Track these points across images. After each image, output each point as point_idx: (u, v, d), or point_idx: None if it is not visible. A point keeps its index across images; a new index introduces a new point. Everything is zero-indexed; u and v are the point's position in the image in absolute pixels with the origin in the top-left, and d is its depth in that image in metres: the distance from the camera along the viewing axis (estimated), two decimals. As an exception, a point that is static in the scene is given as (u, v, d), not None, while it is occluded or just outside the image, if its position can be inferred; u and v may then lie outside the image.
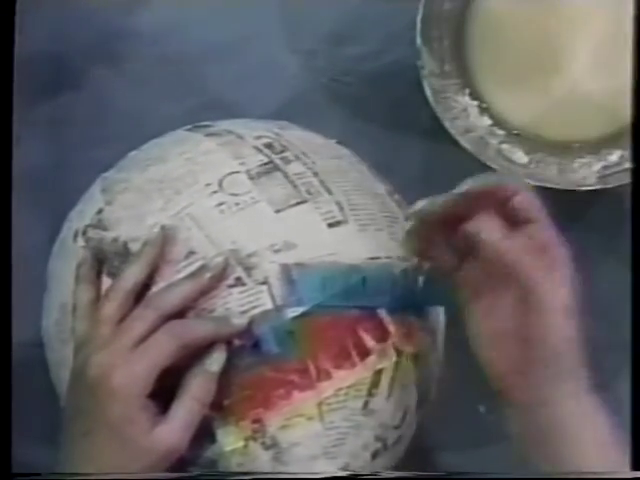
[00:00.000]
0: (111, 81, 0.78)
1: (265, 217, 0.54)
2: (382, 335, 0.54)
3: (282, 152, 0.58)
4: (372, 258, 0.55)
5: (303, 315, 0.52)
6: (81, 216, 0.59)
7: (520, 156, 0.71)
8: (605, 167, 0.69)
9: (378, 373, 0.54)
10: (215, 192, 0.55)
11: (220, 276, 0.52)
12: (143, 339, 0.50)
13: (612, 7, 0.69)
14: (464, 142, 0.69)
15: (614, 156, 0.69)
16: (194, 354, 0.51)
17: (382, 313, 0.55)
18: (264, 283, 0.53)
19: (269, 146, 0.58)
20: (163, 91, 0.78)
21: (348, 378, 0.53)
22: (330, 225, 0.55)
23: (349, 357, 0.53)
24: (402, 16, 0.73)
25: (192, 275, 0.53)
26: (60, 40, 0.78)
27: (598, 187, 0.68)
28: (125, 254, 0.54)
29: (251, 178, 0.56)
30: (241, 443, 0.52)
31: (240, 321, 0.52)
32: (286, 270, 0.53)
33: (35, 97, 0.76)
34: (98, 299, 0.54)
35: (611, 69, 0.69)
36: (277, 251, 0.53)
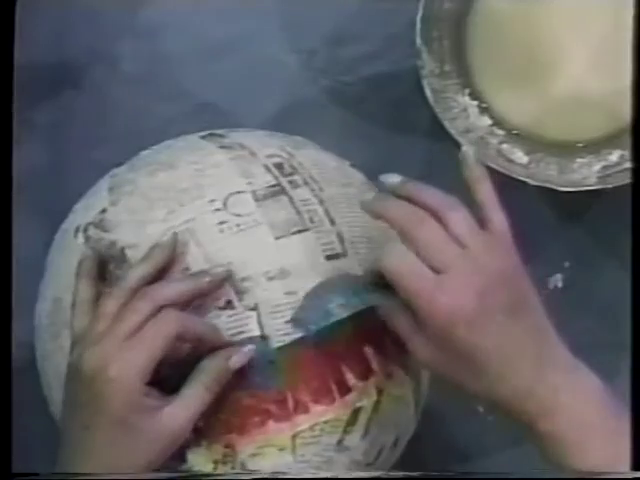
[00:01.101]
0: (111, 81, 0.78)
1: (264, 242, 0.54)
2: (365, 373, 0.54)
3: (291, 175, 0.57)
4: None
5: (288, 346, 0.52)
6: (85, 211, 0.59)
7: (520, 156, 0.71)
8: (605, 167, 0.69)
9: (356, 411, 0.54)
10: (218, 210, 0.55)
11: (219, 284, 0.52)
12: (137, 330, 0.50)
13: (612, 7, 0.69)
14: (464, 142, 0.69)
15: (614, 156, 0.69)
16: (192, 349, 0.51)
17: (369, 351, 0.54)
18: (254, 309, 0.52)
19: (279, 166, 0.58)
20: (163, 91, 0.78)
21: (325, 414, 0.53)
22: (328, 257, 0.54)
23: (329, 392, 0.52)
24: (402, 16, 0.73)
25: (192, 275, 0.53)
26: (60, 40, 0.78)
27: (598, 187, 0.68)
28: (121, 259, 0.54)
29: (256, 199, 0.55)
30: (210, 466, 0.52)
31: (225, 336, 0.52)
32: (277, 299, 0.53)
33: (35, 98, 0.76)
34: (98, 296, 0.54)
35: (611, 69, 0.69)
36: (271, 278, 0.53)
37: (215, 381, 0.51)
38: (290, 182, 0.57)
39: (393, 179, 0.54)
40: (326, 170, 0.60)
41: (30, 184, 0.68)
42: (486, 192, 0.54)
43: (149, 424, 0.49)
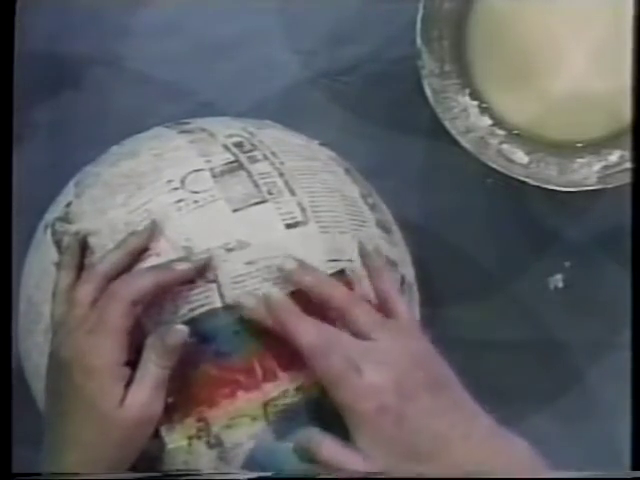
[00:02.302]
0: (111, 81, 0.78)
1: (222, 216, 0.54)
2: None
3: (251, 151, 0.57)
4: (331, 260, 0.54)
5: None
6: (53, 208, 0.60)
7: (520, 156, 0.70)
8: (605, 167, 0.69)
9: None
10: (176, 189, 0.55)
11: (201, 271, 0.52)
12: (99, 314, 0.50)
13: (612, 7, 0.69)
14: (464, 142, 0.69)
15: (614, 156, 0.69)
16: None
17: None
18: (214, 282, 0.52)
19: (239, 145, 0.58)
20: (163, 91, 0.78)
21: (296, 379, 0.52)
22: (288, 226, 0.54)
23: (298, 358, 0.52)
24: (402, 16, 0.73)
25: (170, 263, 0.53)
26: (60, 40, 0.78)
27: (598, 187, 0.68)
28: (84, 248, 0.55)
29: (214, 176, 0.55)
30: (185, 441, 0.52)
31: (183, 265, 0.52)
32: (237, 269, 0.53)
33: (35, 97, 0.76)
34: None
35: (611, 69, 0.69)
36: (230, 250, 0.53)
37: (164, 357, 0.50)
38: (249, 158, 0.57)
39: (290, 265, 0.53)
40: (289, 146, 0.60)
41: (30, 184, 0.68)
42: (386, 283, 0.55)
43: (117, 407, 0.49)
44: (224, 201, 0.54)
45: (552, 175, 0.70)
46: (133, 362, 0.51)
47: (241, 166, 0.56)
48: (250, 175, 0.56)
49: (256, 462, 0.52)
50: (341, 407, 0.50)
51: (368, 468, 0.49)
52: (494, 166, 0.68)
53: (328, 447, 0.50)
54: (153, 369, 0.50)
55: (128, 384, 0.50)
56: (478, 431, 0.51)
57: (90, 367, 0.50)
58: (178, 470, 0.53)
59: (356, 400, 0.49)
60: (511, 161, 0.70)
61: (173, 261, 0.53)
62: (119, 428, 0.50)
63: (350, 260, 0.55)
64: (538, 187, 0.68)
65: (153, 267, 0.53)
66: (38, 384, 0.56)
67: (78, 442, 0.50)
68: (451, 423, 0.50)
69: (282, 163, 0.57)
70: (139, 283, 0.51)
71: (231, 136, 0.59)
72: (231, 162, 0.56)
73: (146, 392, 0.50)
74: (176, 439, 0.52)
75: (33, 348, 0.57)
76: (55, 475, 0.51)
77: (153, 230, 0.54)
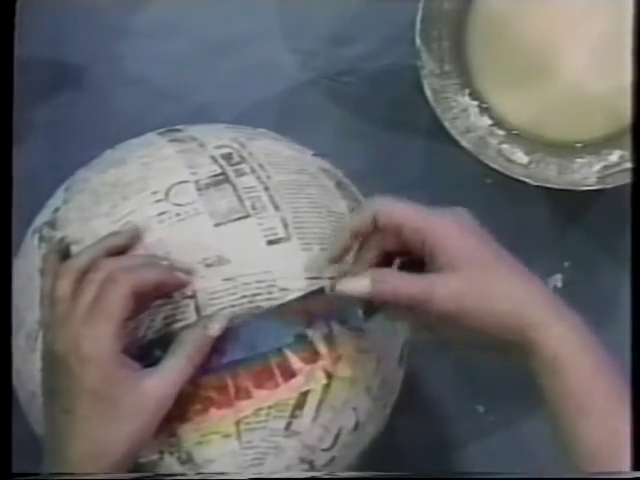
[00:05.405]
0: (111, 81, 0.78)
1: (203, 230, 0.53)
2: (311, 357, 0.53)
3: (238, 164, 0.57)
4: (312, 278, 0.54)
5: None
6: (43, 212, 0.59)
7: (520, 156, 0.71)
8: (605, 167, 0.69)
9: (304, 395, 0.53)
10: (160, 201, 0.54)
11: (186, 272, 0.52)
12: (95, 302, 0.50)
13: (612, 7, 0.69)
14: (464, 142, 0.69)
15: (614, 156, 0.70)
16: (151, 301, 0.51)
17: (313, 334, 0.53)
18: (192, 297, 0.52)
19: (227, 157, 0.57)
20: (162, 91, 0.78)
21: (269, 398, 0.52)
22: (270, 242, 0.54)
23: (272, 377, 0.52)
24: (402, 16, 0.73)
25: (153, 258, 0.53)
26: (60, 40, 0.78)
27: (598, 187, 0.68)
28: (67, 256, 0.54)
29: (198, 189, 0.55)
30: (156, 456, 0.52)
31: (182, 274, 0.52)
32: (215, 286, 0.52)
33: (35, 97, 0.76)
34: None
35: (611, 69, 0.69)
36: (209, 265, 0.52)
37: (196, 351, 0.50)
38: (236, 171, 0.56)
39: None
40: (278, 158, 0.59)
41: (30, 184, 0.68)
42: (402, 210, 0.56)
43: (129, 394, 0.49)
44: (207, 215, 0.54)
45: (552, 175, 0.70)
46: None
47: (227, 179, 0.56)
48: (235, 189, 0.55)
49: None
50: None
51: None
52: (494, 166, 0.68)
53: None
54: (183, 364, 0.50)
55: (137, 369, 0.49)
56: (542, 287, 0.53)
57: (88, 356, 0.49)
58: (177, 473, 0.53)
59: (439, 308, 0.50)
60: (511, 161, 0.70)
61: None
62: (133, 414, 0.49)
63: (332, 278, 0.54)
64: (538, 187, 0.68)
65: (154, 261, 0.52)
66: (20, 388, 0.56)
67: (84, 437, 0.49)
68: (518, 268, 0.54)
69: (269, 177, 0.57)
70: (143, 274, 0.51)
71: (221, 147, 0.58)
72: (217, 175, 0.56)
73: (171, 381, 0.50)
74: (147, 453, 0.52)
75: (14, 352, 0.56)
76: (55, 475, 0.51)
77: (134, 234, 0.53)
